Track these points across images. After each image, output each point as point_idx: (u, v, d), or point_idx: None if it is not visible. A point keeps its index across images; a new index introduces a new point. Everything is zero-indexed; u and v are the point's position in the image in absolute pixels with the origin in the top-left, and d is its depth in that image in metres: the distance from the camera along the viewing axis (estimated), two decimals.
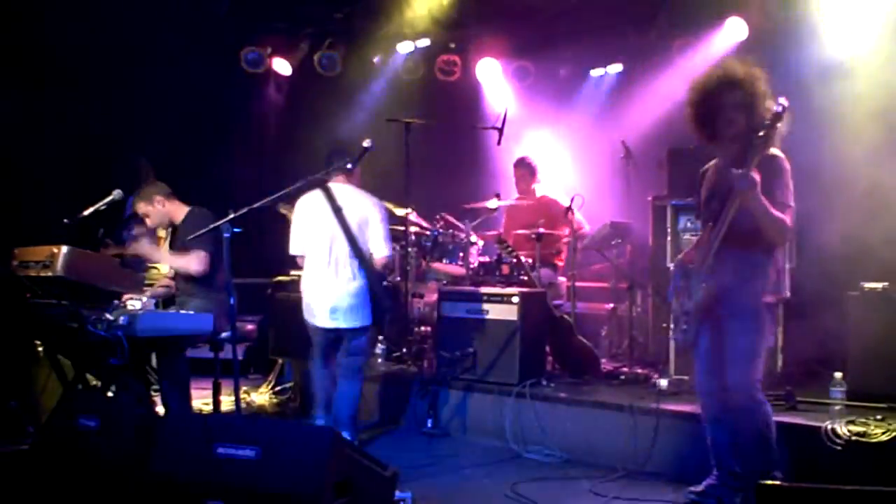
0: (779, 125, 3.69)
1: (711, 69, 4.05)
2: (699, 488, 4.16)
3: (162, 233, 6.10)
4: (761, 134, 3.69)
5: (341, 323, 5.10)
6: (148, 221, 5.35)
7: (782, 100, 3.68)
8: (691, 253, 4.17)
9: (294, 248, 5.27)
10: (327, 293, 5.11)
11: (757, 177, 3.64)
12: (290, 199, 5.27)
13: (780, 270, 3.96)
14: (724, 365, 3.91)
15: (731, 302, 3.87)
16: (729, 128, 3.91)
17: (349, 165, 4.90)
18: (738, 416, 3.90)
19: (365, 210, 5.18)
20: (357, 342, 5.17)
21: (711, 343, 3.98)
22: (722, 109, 3.90)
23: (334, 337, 5.18)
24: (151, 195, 5.29)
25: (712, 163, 4.13)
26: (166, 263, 5.48)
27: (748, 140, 3.80)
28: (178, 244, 5.29)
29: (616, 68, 8.49)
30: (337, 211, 5.08)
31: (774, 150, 3.84)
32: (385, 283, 5.33)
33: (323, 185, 5.12)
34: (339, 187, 5.17)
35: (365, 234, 5.15)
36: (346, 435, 4.87)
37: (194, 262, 5.09)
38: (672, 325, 4.28)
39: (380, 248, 5.20)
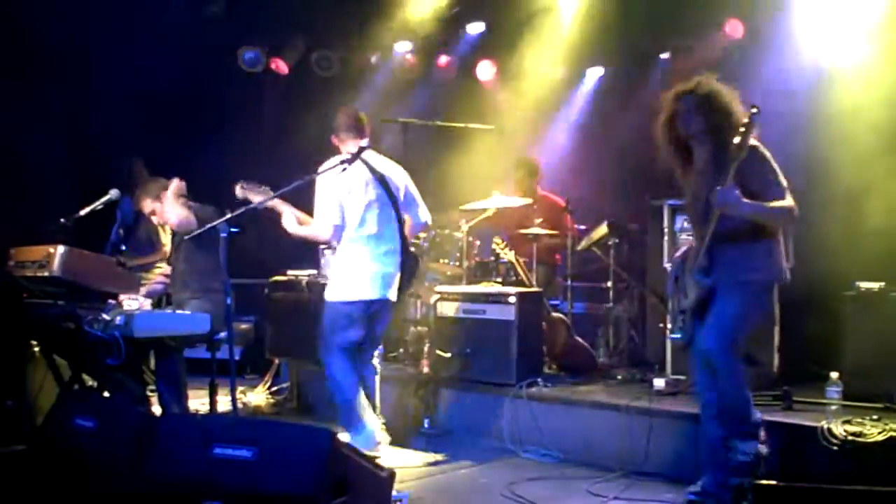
0: (752, 131, 3.76)
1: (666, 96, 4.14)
2: (696, 488, 4.16)
3: (165, 239, 6.10)
4: (737, 141, 3.74)
5: (391, 294, 4.92)
6: (155, 218, 5.35)
7: (753, 108, 3.76)
8: (687, 251, 4.21)
9: (331, 219, 4.86)
10: (380, 264, 4.90)
11: (737, 190, 3.71)
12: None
13: (776, 253, 3.97)
14: (704, 328, 3.95)
15: (724, 281, 3.92)
16: (688, 128, 4.00)
17: (345, 166, 4.88)
18: (719, 379, 3.93)
19: (403, 178, 5.10)
20: (389, 316, 5.09)
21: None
22: (679, 117, 4.02)
23: (373, 312, 4.93)
24: (156, 191, 5.28)
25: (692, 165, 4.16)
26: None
27: (717, 140, 3.89)
28: (177, 241, 5.30)
29: (613, 68, 8.50)
30: (382, 181, 4.92)
31: (752, 141, 3.87)
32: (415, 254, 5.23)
33: (356, 156, 4.82)
34: (374, 156, 5.02)
35: (405, 202, 5.05)
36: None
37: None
38: (669, 325, 4.30)
39: (425, 214, 5.17)
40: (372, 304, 4.90)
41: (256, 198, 4.81)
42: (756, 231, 3.90)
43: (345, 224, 4.90)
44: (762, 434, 3.97)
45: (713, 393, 4.02)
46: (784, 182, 3.87)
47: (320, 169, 4.83)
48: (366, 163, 4.91)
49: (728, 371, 3.89)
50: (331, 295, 4.94)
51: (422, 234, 6.52)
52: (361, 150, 4.87)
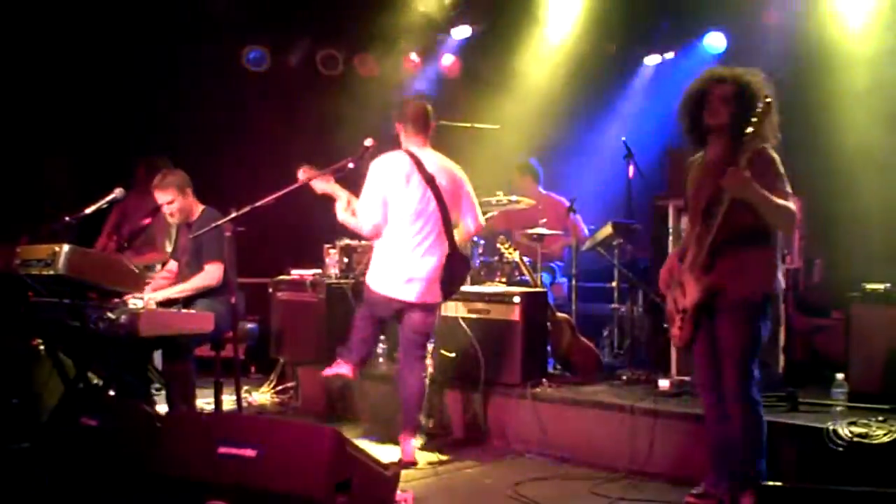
0: (766, 120, 3.69)
1: (703, 72, 4.06)
2: (700, 490, 4.15)
3: (168, 243, 6.10)
4: (749, 130, 3.68)
5: (412, 296, 4.83)
6: (169, 209, 5.25)
7: (767, 97, 3.70)
8: (680, 251, 4.16)
9: (374, 217, 4.82)
10: (408, 263, 4.83)
11: (748, 173, 3.66)
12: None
13: (774, 265, 3.96)
14: (721, 365, 3.91)
15: (726, 297, 3.87)
16: (715, 118, 3.91)
17: (351, 165, 4.88)
18: (734, 417, 3.89)
19: (457, 176, 5.00)
20: (429, 317, 4.96)
21: (708, 339, 3.98)
22: (709, 101, 3.92)
23: (398, 310, 4.91)
24: (185, 185, 5.22)
25: (698, 156, 4.13)
26: (184, 295, 5.14)
27: (735, 135, 3.81)
28: (185, 240, 5.30)
29: (619, 67, 8.50)
30: (430, 180, 4.82)
31: (762, 144, 3.85)
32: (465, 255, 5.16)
33: (407, 151, 4.85)
34: (424, 152, 4.93)
35: (456, 203, 4.96)
36: (410, 439, 4.87)
37: (214, 279, 5.08)
38: (667, 324, 4.27)
39: (478, 217, 5.07)
40: (392, 302, 4.88)
41: (317, 183, 4.82)
42: (757, 238, 3.84)
43: (386, 221, 4.85)
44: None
45: (723, 401, 4.00)
46: (789, 188, 3.83)
47: (372, 164, 4.81)
48: (416, 160, 4.84)
49: (751, 405, 3.85)
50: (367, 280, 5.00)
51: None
52: (365, 149, 4.88)
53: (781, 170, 3.84)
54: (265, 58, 8.52)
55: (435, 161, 4.95)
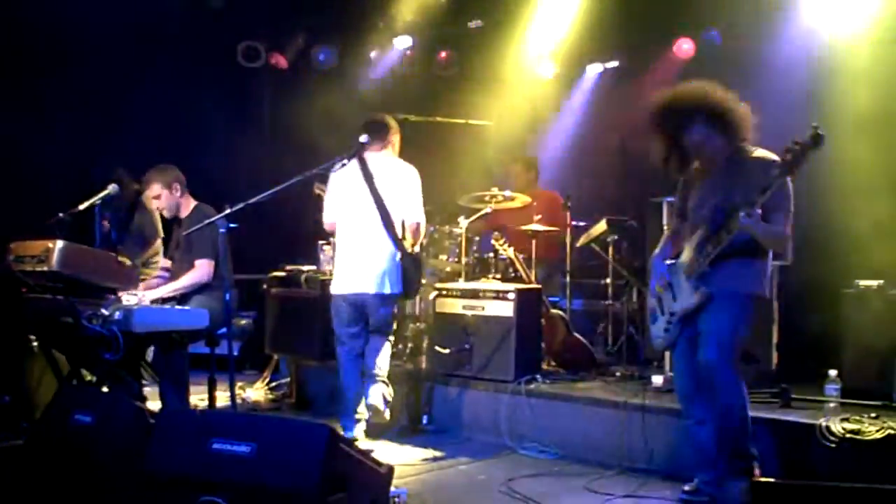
0: (809, 155, 3.54)
1: (657, 100, 4.05)
2: (692, 486, 4.17)
3: (158, 248, 6.07)
4: (789, 158, 3.56)
5: (369, 288, 5.11)
6: (156, 203, 5.31)
7: (816, 128, 3.52)
8: (669, 251, 4.17)
9: (327, 217, 5.30)
10: (358, 259, 5.14)
11: (759, 211, 3.67)
12: (323, 179, 5.39)
13: (767, 270, 3.98)
14: (701, 342, 3.92)
15: (720, 291, 3.90)
16: (706, 164, 3.97)
17: (345, 161, 4.89)
18: (716, 393, 3.90)
19: (398, 177, 5.23)
20: (385, 311, 5.22)
21: (690, 346, 4.00)
22: (691, 144, 3.96)
23: (360, 306, 5.19)
24: (172, 180, 5.28)
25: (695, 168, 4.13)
26: (176, 294, 5.20)
27: (728, 158, 3.89)
28: (177, 237, 5.29)
29: (613, 64, 8.49)
30: (368, 178, 5.11)
31: (770, 155, 3.85)
32: (413, 253, 5.29)
33: (358, 156, 5.11)
34: (374, 156, 5.21)
35: (398, 202, 5.17)
36: (374, 388, 5.11)
37: (204, 276, 5.17)
38: (649, 323, 4.28)
39: (413, 215, 5.25)
40: (354, 299, 5.18)
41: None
42: (757, 249, 3.89)
43: (336, 219, 5.26)
44: (757, 471, 3.91)
45: (702, 405, 4.02)
46: (792, 208, 3.86)
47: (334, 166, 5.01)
48: (362, 162, 5.14)
49: (730, 384, 3.85)
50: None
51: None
52: (362, 146, 4.92)
53: (791, 190, 3.85)
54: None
55: (381, 163, 5.23)
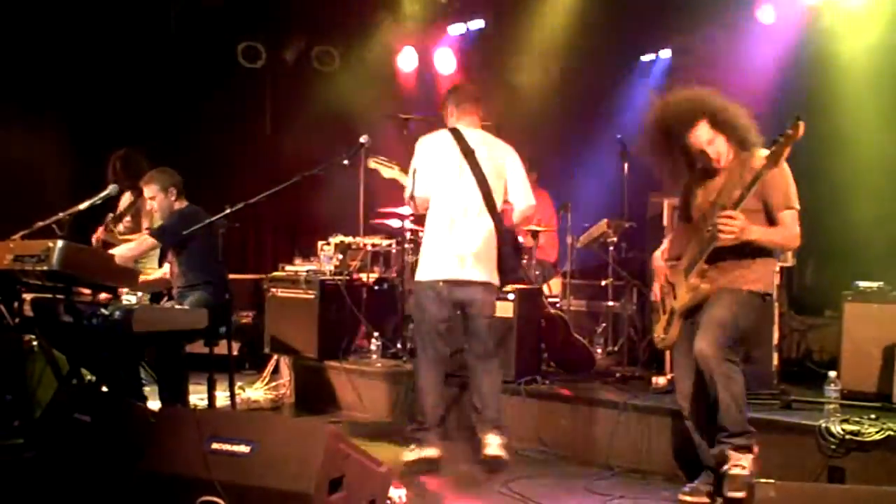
0: (790, 144, 3.59)
1: (662, 103, 4.04)
2: (691, 487, 4.17)
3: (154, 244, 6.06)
4: (773, 150, 3.61)
5: (470, 274, 4.63)
6: (149, 203, 5.33)
7: (798, 118, 3.57)
8: (673, 249, 4.18)
9: (421, 191, 4.68)
10: (458, 241, 4.65)
11: (741, 220, 3.67)
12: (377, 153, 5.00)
13: (771, 269, 3.98)
14: (698, 334, 3.90)
15: (719, 287, 3.90)
16: (705, 162, 3.97)
17: (345, 161, 4.88)
18: (716, 385, 3.87)
19: (502, 155, 4.80)
20: (489, 299, 4.74)
21: (690, 345, 3.99)
22: (692, 148, 3.95)
23: (457, 299, 4.69)
24: (169, 184, 5.27)
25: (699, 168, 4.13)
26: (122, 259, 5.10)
27: (731, 165, 3.89)
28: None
29: (614, 65, 8.50)
30: (468, 154, 4.65)
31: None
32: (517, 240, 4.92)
33: (451, 129, 4.72)
34: (469, 131, 4.77)
35: (501, 183, 4.75)
36: (498, 440, 4.69)
37: (144, 249, 5.23)
38: (654, 324, 4.28)
39: (525, 197, 4.81)
40: (452, 287, 4.66)
41: (385, 170, 4.85)
42: (756, 251, 3.88)
43: (427, 195, 4.72)
44: (755, 448, 3.91)
45: (699, 403, 4.01)
46: (798, 204, 3.85)
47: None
48: (457, 136, 4.70)
49: (724, 375, 3.83)
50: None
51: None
52: (360, 146, 4.89)
53: (793, 185, 3.85)
54: (259, 53, 8.51)
55: (479, 138, 4.77)
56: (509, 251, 4.73)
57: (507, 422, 4.95)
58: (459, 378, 5.66)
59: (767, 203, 3.84)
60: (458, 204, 4.67)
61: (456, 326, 5.50)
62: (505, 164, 4.79)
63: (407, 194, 4.76)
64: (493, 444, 4.74)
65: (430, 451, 4.71)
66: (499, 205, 4.73)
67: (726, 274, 3.90)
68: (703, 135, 3.93)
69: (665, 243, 4.33)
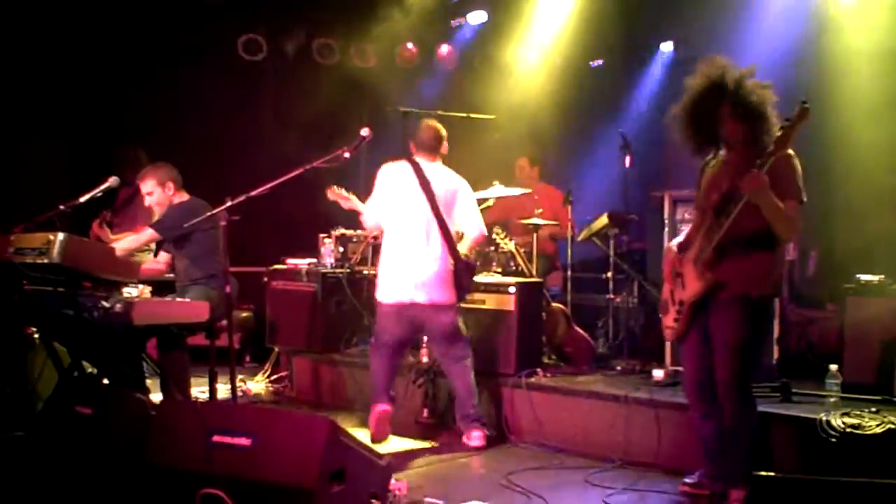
0: (799, 126, 3.61)
1: (703, 76, 3.97)
2: (693, 479, 4.17)
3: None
4: (780, 134, 3.63)
5: (425, 298, 5.01)
6: (149, 199, 5.33)
7: (804, 102, 3.58)
8: (685, 241, 4.15)
9: (371, 218, 5.23)
10: (413, 266, 5.03)
11: (766, 178, 3.63)
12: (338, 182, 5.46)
13: (778, 266, 3.96)
14: (714, 357, 3.91)
15: (726, 292, 3.87)
16: (732, 136, 3.90)
17: (346, 154, 4.87)
18: (725, 410, 3.89)
19: (455, 188, 5.18)
20: (446, 319, 5.08)
21: (700, 336, 3.98)
22: (721, 117, 3.89)
23: (413, 316, 5.09)
24: (166, 179, 5.29)
25: (718, 155, 4.09)
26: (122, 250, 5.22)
27: (756, 137, 3.80)
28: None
29: (616, 59, 8.49)
30: (425, 185, 5.06)
31: (787, 151, 3.82)
32: (469, 262, 5.23)
33: (410, 160, 5.13)
34: (428, 164, 5.17)
35: (452, 212, 5.13)
36: (479, 433, 5.05)
37: (142, 240, 5.31)
38: (660, 313, 4.26)
39: (476, 227, 5.21)
40: (406, 308, 5.06)
41: (344, 203, 5.40)
42: (764, 241, 3.84)
43: (382, 220, 5.18)
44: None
45: (709, 399, 4.01)
46: (804, 198, 3.83)
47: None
48: (416, 168, 5.11)
49: (743, 403, 3.85)
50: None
51: None
52: (362, 139, 4.92)
53: (801, 179, 3.83)
54: (260, 46, 8.48)
55: (437, 172, 5.17)
56: (462, 272, 5.09)
57: (499, 411, 5.13)
58: None
59: (773, 190, 3.80)
60: (414, 229, 5.06)
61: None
62: (457, 195, 5.18)
63: (365, 214, 5.26)
64: (475, 437, 5.07)
65: (380, 409, 5.11)
66: (452, 230, 5.11)
67: (734, 267, 3.86)
68: (737, 111, 3.84)
69: (681, 236, 4.30)
